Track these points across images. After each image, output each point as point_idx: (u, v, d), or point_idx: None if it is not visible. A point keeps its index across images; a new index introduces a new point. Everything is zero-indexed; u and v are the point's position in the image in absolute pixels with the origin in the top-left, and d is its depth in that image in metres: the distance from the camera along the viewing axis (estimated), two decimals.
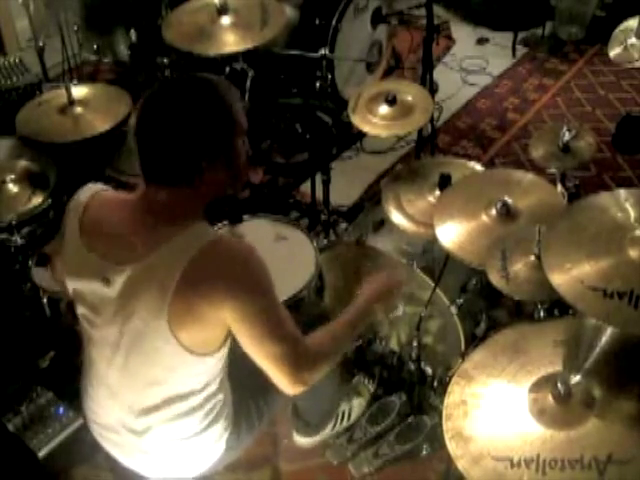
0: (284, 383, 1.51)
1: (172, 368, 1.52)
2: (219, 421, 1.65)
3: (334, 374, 2.06)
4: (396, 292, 1.79)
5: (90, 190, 1.57)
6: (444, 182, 2.26)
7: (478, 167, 2.51)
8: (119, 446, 1.66)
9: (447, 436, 1.41)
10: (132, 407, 1.57)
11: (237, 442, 1.73)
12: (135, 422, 1.58)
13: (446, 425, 1.43)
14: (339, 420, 2.28)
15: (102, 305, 1.51)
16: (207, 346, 1.51)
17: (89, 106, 2.60)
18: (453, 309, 2.32)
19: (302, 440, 2.25)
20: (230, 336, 1.54)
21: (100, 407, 1.64)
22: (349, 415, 2.30)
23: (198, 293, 1.42)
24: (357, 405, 2.33)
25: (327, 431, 2.26)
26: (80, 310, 1.58)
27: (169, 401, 1.55)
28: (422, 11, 3.31)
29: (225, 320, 1.46)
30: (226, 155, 1.48)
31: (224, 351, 1.56)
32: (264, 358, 1.49)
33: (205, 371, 1.56)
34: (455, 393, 1.49)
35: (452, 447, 1.39)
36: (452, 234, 2.03)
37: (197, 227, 1.47)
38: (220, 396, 1.63)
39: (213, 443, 1.67)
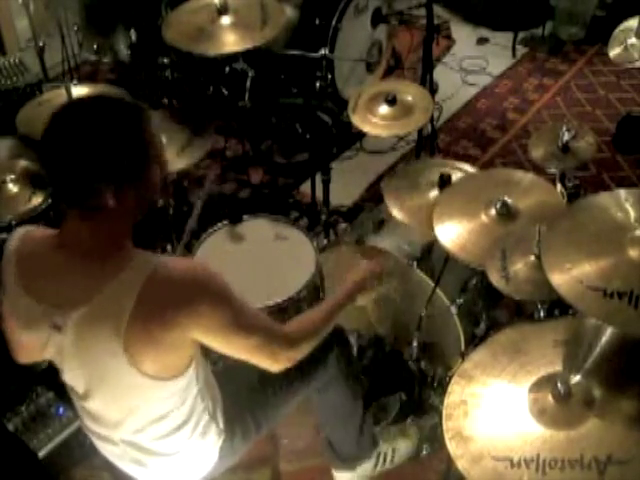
0: (266, 365, 1.57)
1: (144, 398, 1.49)
2: (210, 431, 1.65)
3: (355, 402, 2.06)
4: (375, 278, 1.89)
5: (17, 235, 1.50)
6: (444, 182, 2.26)
7: (471, 170, 2.49)
8: (115, 455, 1.66)
9: (447, 436, 1.41)
10: (118, 429, 1.57)
11: (231, 450, 1.73)
12: (125, 437, 1.58)
13: (446, 425, 1.43)
14: (382, 459, 2.24)
15: (61, 352, 1.47)
16: (174, 369, 1.48)
17: None
18: (453, 309, 2.32)
19: (342, 476, 2.21)
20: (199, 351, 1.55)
21: (91, 422, 1.63)
22: (393, 456, 2.26)
23: (156, 322, 1.38)
24: (403, 447, 2.28)
25: (368, 468, 2.21)
26: (46, 356, 1.53)
27: (152, 422, 1.54)
28: (422, 11, 3.32)
29: (192, 339, 1.45)
30: (138, 179, 1.39)
31: (193, 366, 1.54)
32: (242, 353, 1.54)
33: (179, 390, 1.52)
34: (455, 393, 1.49)
35: (452, 447, 1.39)
36: (452, 234, 2.03)
37: (136, 259, 1.41)
38: (203, 405, 1.61)
39: (206, 452, 1.67)
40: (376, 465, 2.23)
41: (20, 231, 1.52)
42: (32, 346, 1.54)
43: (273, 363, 1.57)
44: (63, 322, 1.41)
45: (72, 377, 1.53)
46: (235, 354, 1.53)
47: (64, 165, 1.34)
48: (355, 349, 2.30)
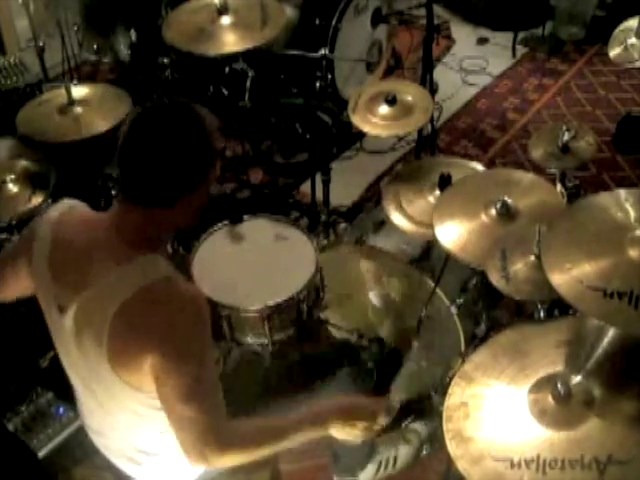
0: (186, 450, 1.43)
1: (130, 399, 1.47)
2: None
3: None
4: (365, 421, 1.59)
5: (63, 206, 1.54)
6: (444, 182, 2.26)
7: (479, 167, 2.51)
8: (110, 452, 1.67)
9: (447, 437, 1.41)
10: (111, 425, 1.57)
11: None
12: (118, 433, 1.58)
13: (446, 426, 1.43)
14: (383, 466, 2.24)
15: (61, 335, 1.48)
16: (148, 386, 1.43)
17: (89, 106, 2.60)
18: (453, 309, 2.32)
19: None
20: None
21: (88, 416, 1.64)
22: (394, 462, 2.26)
23: (132, 331, 1.37)
24: (404, 452, 2.29)
25: (370, 475, 2.19)
26: (52, 334, 1.54)
27: (142, 421, 1.53)
28: (422, 11, 3.32)
29: (149, 368, 1.38)
30: (204, 181, 1.45)
31: None
32: (174, 419, 1.41)
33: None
34: (455, 394, 1.49)
35: (452, 448, 1.39)
36: (452, 234, 2.03)
37: (148, 259, 1.41)
38: None
39: None
40: (377, 472, 2.23)
41: (67, 202, 1.54)
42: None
43: (192, 450, 1.42)
44: (67, 304, 1.43)
45: (69, 364, 1.53)
46: (166, 412, 1.42)
47: (141, 164, 1.39)
48: (369, 364, 2.26)
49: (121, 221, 1.44)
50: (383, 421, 1.61)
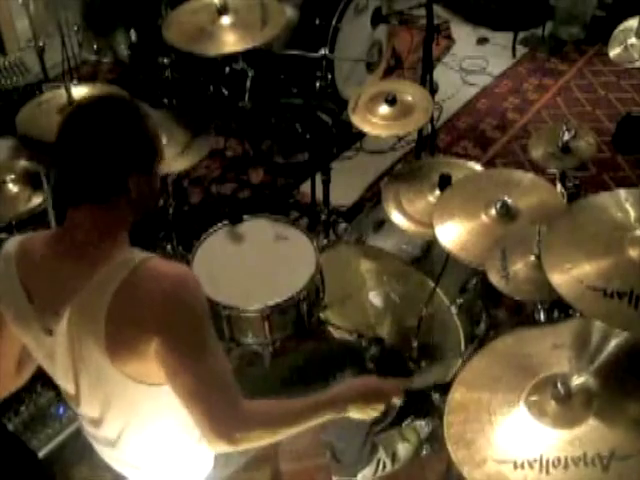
0: (207, 432, 1.40)
1: (132, 401, 1.46)
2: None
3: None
4: (381, 403, 1.61)
5: (13, 241, 1.48)
6: (444, 182, 2.26)
7: (477, 167, 2.51)
8: (111, 458, 1.66)
9: (449, 443, 1.40)
10: (111, 432, 1.56)
11: (226, 459, 1.71)
12: (119, 440, 1.57)
13: (447, 432, 1.42)
14: (381, 465, 2.24)
15: (52, 356, 1.46)
16: (157, 377, 1.41)
17: None
18: (453, 309, 2.32)
19: None
20: None
21: (86, 425, 1.63)
22: (393, 460, 2.26)
23: (127, 322, 1.34)
24: (403, 451, 2.29)
25: (368, 476, 2.21)
26: (38, 360, 1.53)
27: (144, 426, 1.53)
28: (422, 11, 3.31)
29: (154, 353, 1.36)
30: (149, 172, 1.43)
31: None
32: (185, 396, 1.39)
33: (167, 395, 1.45)
34: (455, 399, 1.49)
35: (454, 453, 1.38)
36: (452, 234, 2.03)
37: (121, 256, 1.39)
38: None
39: (201, 459, 1.66)
40: (376, 471, 2.23)
41: (16, 237, 1.50)
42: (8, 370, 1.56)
43: (210, 431, 1.38)
44: (54, 325, 1.40)
45: (64, 381, 1.51)
46: (179, 393, 1.39)
47: (79, 161, 1.37)
48: (369, 364, 2.26)
49: (72, 230, 1.41)
50: (398, 401, 1.65)
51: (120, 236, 1.43)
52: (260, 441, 1.45)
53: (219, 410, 1.38)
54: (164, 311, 1.35)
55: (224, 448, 1.41)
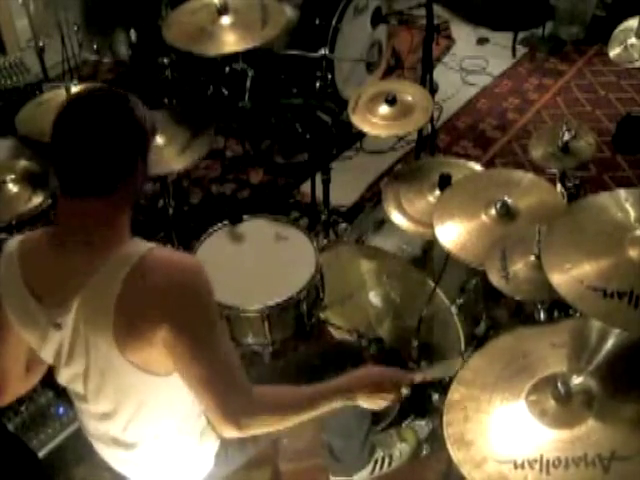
0: (217, 417, 1.42)
1: (138, 391, 1.47)
2: (206, 437, 1.63)
3: (364, 420, 2.05)
4: (391, 392, 1.62)
5: (15, 240, 1.49)
6: (444, 182, 2.26)
7: (477, 167, 2.51)
8: (111, 457, 1.66)
9: (449, 442, 1.40)
10: (114, 428, 1.56)
11: (226, 459, 1.71)
12: (123, 436, 1.57)
13: (447, 432, 1.42)
14: (379, 465, 2.24)
15: (60, 351, 1.46)
16: (164, 366, 1.43)
17: None
18: (453, 309, 2.32)
19: None
20: None
21: (88, 422, 1.63)
22: (390, 460, 2.26)
23: (136, 311, 1.36)
24: (401, 451, 2.29)
25: (365, 474, 2.21)
26: (43, 356, 1.53)
27: (148, 421, 1.53)
28: (422, 11, 3.31)
29: (162, 341, 1.37)
30: (143, 162, 1.44)
31: None
32: (195, 383, 1.41)
33: (173, 386, 1.48)
34: (455, 399, 1.49)
35: (454, 453, 1.38)
36: (452, 234, 2.03)
37: (127, 246, 1.40)
38: (200, 409, 1.57)
39: (202, 457, 1.66)
40: (373, 471, 2.24)
41: (16, 237, 1.51)
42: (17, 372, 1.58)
43: (220, 416, 1.40)
44: (62, 320, 1.41)
45: (70, 376, 1.52)
46: (188, 380, 1.42)
47: (75, 155, 1.37)
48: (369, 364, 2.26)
49: (74, 223, 1.41)
50: (405, 390, 1.65)
51: (124, 225, 1.44)
52: (269, 427, 1.47)
53: (228, 395, 1.41)
54: (172, 299, 1.36)
55: (233, 433, 1.43)
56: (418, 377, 1.70)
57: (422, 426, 2.34)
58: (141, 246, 1.41)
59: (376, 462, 2.23)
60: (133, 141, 1.41)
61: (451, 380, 1.52)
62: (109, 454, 1.66)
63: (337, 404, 1.55)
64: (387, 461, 2.25)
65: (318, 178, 2.85)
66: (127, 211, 1.45)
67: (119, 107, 1.41)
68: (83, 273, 1.38)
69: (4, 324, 1.52)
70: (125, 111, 1.41)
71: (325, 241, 2.81)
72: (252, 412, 1.43)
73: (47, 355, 1.51)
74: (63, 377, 1.54)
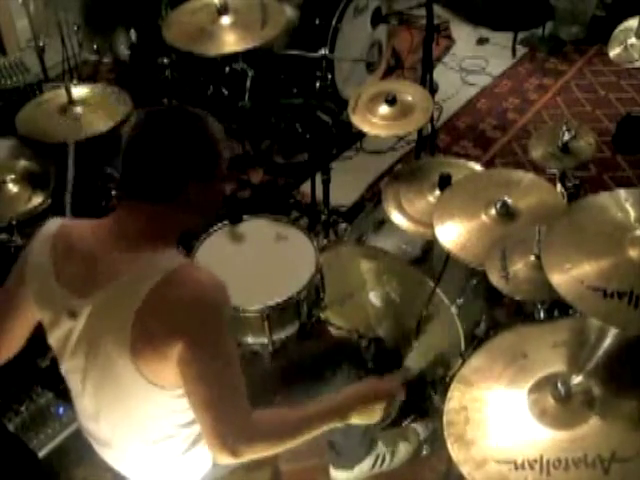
0: (213, 442, 1.42)
1: (139, 399, 1.47)
2: (203, 442, 1.61)
3: None
4: (383, 402, 1.62)
5: (56, 221, 1.55)
6: (444, 182, 2.26)
7: (477, 167, 2.51)
8: (109, 457, 1.66)
9: (449, 442, 1.40)
10: (111, 429, 1.56)
11: None
12: (113, 437, 1.58)
13: (447, 431, 1.42)
14: (380, 461, 2.24)
15: (68, 339, 1.47)
16: (175, 381, 1.44)
17: (89, 106, 2.60)
18: (453, 309, 2.32)
19: (339, 474, 2.20)
20: None
21: (85, 421, 1.63)
22: (392, 458, 2.26)
23: (157, 322, 1.37)
24: (402, 449, 2.28)
25: (366, 469, 2.21)
26: (50, 340, 1.54)
27: (146, 425, 1.53)
28: (422, 11, 3.32)
29: (177, 355, 1.38)
30: (208, 181, 1.50)
31: None
32: (201, 409, 1.41)
33: (176, 398, 1.48)
34: (455, 399, 1.49)
35: (455, 453, 1.38)
36: (452, 234, 2.03)
37: (164, 256, 1.44)
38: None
39: (200, 458, 1.65)
40: (373, 466, 2.23)
41: (58, 219, 1.56)
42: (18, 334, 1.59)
43: (216, 441, 1.41)
44: (79, 309, 1.43)
45: (71, 367, 1.52)
46: (193, 400, 1.42)
47: (145, 161, 1.44)
48: (369, 363, 2.25)
49: (124, 221, 1.47)
50: (401, 396, 1.67)
51: (170, 238, 1.49)
52: (264, 453, 1.48)
53: (229, 422, 1.41)
54: (194, 315, 1.38)
55: (228, 460, 1.44)
56: (414, 370, 1.70)
57: (423, 426, 2.34)
58: (176, 260, 1.45)
59: (377, 457, 2.23)
60: (194, 161, 1.46)
61: (451, 380, 1.52)
62: (105, 453, 1.66)
63: (332, 424, 1.55)
64: (388, 457, 2.25)
65: (318, 178, 2.85)
66: (178, 227, 1.50)
67: (190, 124, 1.48)
68: (115, 271, 1.41)
69: (19, 293, 1.54)
70: (195, 128, 1.48)
71: (325, 241, 2.81)
72: (249, 441, 1.43)
73: (53, 340, 1.52)
74: (64, 367, 1.55)
